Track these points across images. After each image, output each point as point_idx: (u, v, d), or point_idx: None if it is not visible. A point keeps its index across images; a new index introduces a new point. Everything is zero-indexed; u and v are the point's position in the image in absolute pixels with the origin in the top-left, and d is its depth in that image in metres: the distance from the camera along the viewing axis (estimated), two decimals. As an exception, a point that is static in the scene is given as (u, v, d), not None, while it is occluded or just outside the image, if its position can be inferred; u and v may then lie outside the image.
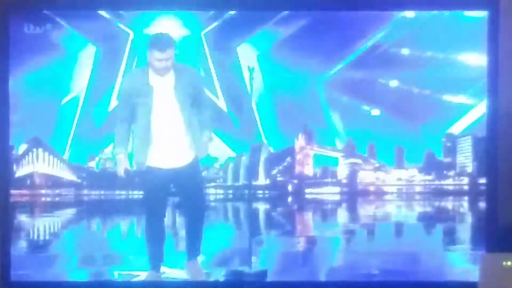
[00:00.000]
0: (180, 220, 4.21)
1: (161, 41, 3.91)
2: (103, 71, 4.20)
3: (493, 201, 4.10)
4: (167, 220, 4.15)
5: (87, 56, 4.18)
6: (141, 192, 4.17)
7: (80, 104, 4.21)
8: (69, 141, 4.19)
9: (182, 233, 4.20)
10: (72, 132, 4.19)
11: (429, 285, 4.12)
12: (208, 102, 4.09)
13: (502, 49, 4.05)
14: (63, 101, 4.19)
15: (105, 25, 4.13)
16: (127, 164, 4.06)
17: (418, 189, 4.24)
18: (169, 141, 3.99)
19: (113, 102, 4.20)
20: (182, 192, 4.15)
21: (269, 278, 4.12)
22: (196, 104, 4.02)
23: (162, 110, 3.95)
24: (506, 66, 4.07)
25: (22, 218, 4.21)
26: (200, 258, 4.17)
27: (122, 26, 4.15)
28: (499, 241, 4.01)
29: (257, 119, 4.22)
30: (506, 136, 4.10)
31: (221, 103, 4.24)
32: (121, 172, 4.07)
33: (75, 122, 4.20)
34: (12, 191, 4.14)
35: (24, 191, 4.19)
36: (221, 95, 4.24)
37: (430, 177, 4.22)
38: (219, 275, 4.15)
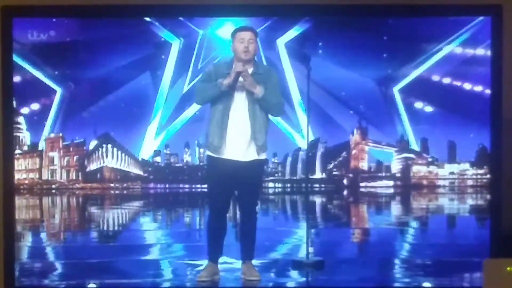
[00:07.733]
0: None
1: (244, 26, 4.09)
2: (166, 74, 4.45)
3: (496, 206, 4.11)
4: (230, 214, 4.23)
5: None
6: (204, 185, 4.34)
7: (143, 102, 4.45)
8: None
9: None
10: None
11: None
12: (275, 104, 4.10)
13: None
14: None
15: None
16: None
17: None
18: (239, 131, 4.04)
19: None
20: (241, 189, 4.15)
21: (325, 269, 4.20)
22: (263, 101, 4.05)
23: (238, 98, 4.04)
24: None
25: (93, 209, 4.50)
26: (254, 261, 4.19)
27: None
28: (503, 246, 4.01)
29: (315, 115, 4.37)
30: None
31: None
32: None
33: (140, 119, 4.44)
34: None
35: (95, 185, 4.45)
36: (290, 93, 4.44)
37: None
38: (277, 265, 4.30)
